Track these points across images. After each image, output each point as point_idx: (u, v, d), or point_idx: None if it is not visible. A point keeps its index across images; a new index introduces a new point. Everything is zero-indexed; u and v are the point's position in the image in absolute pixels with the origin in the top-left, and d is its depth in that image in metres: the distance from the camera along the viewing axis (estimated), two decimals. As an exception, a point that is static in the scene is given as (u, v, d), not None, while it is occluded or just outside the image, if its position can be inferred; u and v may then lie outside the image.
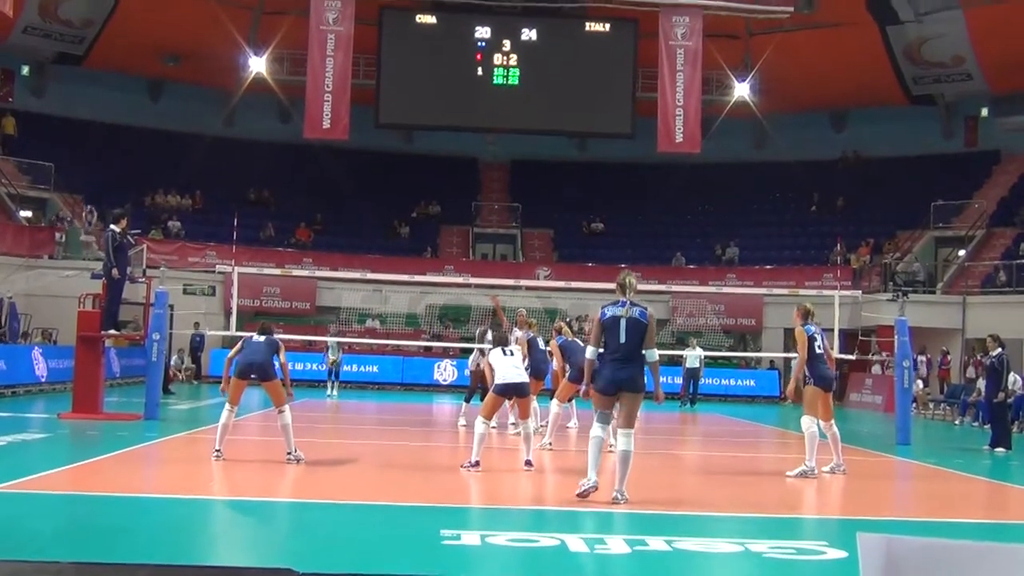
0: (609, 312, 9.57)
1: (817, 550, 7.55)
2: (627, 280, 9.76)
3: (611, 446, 10.93)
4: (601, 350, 9.61)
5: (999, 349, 17.44)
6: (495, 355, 12.14)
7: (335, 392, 27.01)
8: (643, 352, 9.53)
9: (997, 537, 8.61)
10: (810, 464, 11.97)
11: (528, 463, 11.87)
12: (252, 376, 11.90)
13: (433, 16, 35.58)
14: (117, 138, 37.08)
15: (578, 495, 9.38)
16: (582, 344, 13.59)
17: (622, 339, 9.44)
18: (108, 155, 36.40)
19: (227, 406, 11.82)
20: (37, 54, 36.35)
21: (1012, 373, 22.66)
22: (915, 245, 34.93)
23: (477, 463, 11.50)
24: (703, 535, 8.24)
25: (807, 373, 12.31)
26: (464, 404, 17.89)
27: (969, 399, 23.74)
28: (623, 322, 9.46)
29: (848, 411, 28.50)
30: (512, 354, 12.13)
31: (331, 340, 27.50)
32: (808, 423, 12.19)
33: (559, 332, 15.01)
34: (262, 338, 12.14)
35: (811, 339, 12.22)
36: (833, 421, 12.56)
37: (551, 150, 40.46)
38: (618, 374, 9.47)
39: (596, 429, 9.70)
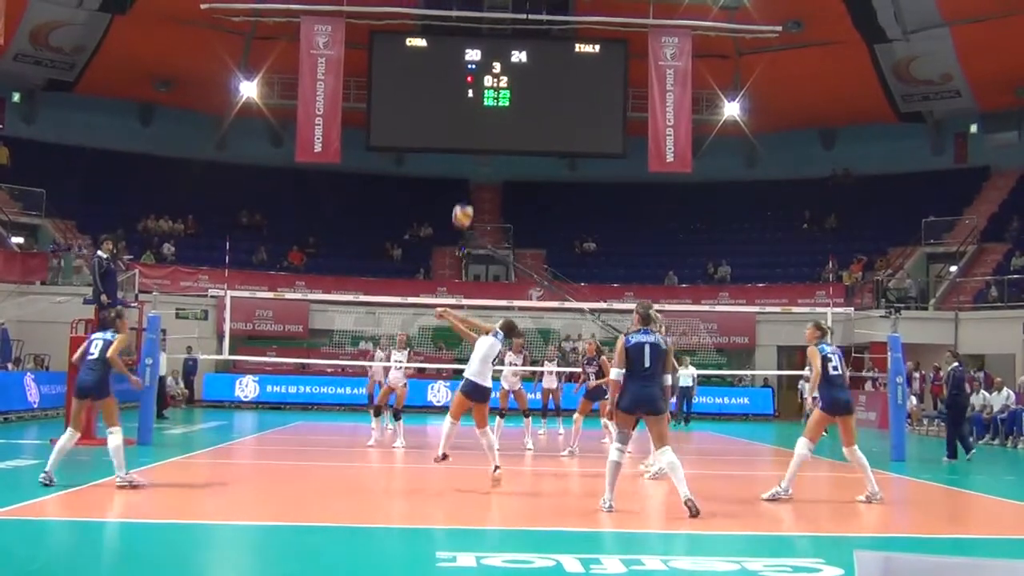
0: (634, 339, 10.19)
1: (813, 568, 7.53)
2: (652, 314, 10.44)
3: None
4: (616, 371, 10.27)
5: (955, 363, 18.31)
6: (481, 341, 12.15)
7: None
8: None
9: (994, 553, 8.61)
10: (784, 486, 11.57)
11: (496, 468, 12.06)
12: (88, 398, 11.49)
13: (423, 39, 35.69)
14: (109, 163, 37.07)
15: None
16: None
17: (647, 364, 10.09)
18: (100, 180, 36.38)
19: (69, 431, 11.38)
20: (28, 81, 36.39)
21: (1005, 388, 22.89)
22: (907, 262, 35.02)
23: (444, 456, 12.21)
24: (699, 554, 8.22)
25: (820, 393, 11.77)
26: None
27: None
28: (647, 348, 10.11)
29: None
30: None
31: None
32: (801, 445, 11.63)
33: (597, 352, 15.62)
34: (100, 341, 11.58)
35: (825, 359, 11.65)
36: (856, 447, 11.69)
37: (542, 171, 40.53)
38: (641, 394, 10.06)
39: (614, 453, 10.28)
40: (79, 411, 11.64)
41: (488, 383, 12.07)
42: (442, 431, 12.34)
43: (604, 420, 15.14)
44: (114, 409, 11.52)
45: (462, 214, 13.81)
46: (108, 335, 11.71)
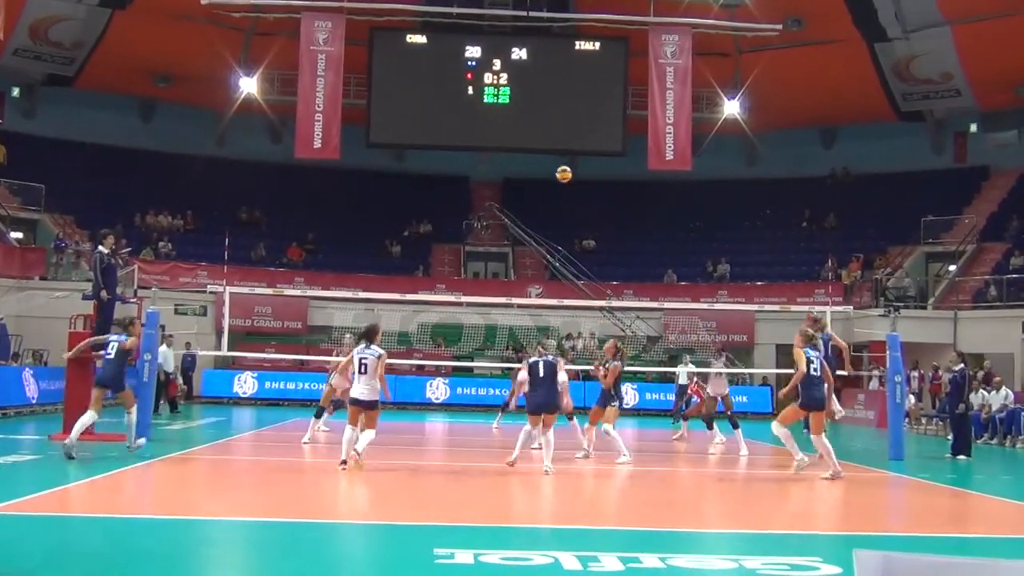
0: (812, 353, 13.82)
1: (811, 566, 7.53)
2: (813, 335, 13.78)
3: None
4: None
5: (961, 365, 18.62)
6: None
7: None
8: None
9: (993, 552, 8.61)
10: (799, 456, 13.58)
11: None
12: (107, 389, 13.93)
13: (423, 36, 35.64)
14: (108, 159, 37.06)
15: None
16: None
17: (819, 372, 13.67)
18: (99, 176, 36.37)
19: (90, 412, 13.62)
20: (27, 76, 36.37)
21: (1004, 388, 22.91)
22: (906, 261, 35.02)
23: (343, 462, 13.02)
24: (697, 552, 8.22)
25: (798, 391, 13.62)
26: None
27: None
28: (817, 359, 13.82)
29: (841, 426, 28.47)
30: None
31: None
32: (777, 427, 13.70)
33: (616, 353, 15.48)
34: (115, 343, 13.88)
35: (808, 362, 13.46)
36: (823, 435, 13.65)
37: (542, 168, 40.33)
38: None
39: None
40: (98, 398, 13.89)
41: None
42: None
43: (607, 427, 15.24)
44: (130, 397, 14.08)
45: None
46: (122, 337, 14.03)
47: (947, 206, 35.77)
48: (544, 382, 13.44)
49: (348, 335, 16.31)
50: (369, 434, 13.08)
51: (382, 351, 13.16)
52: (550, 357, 13.84)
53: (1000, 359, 28.15)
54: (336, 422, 19.46)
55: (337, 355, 19.22)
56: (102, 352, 14.28)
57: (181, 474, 13.21)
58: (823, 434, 13.65)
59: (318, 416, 17.82)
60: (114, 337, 14.17)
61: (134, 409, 14.03)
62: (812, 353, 13.59)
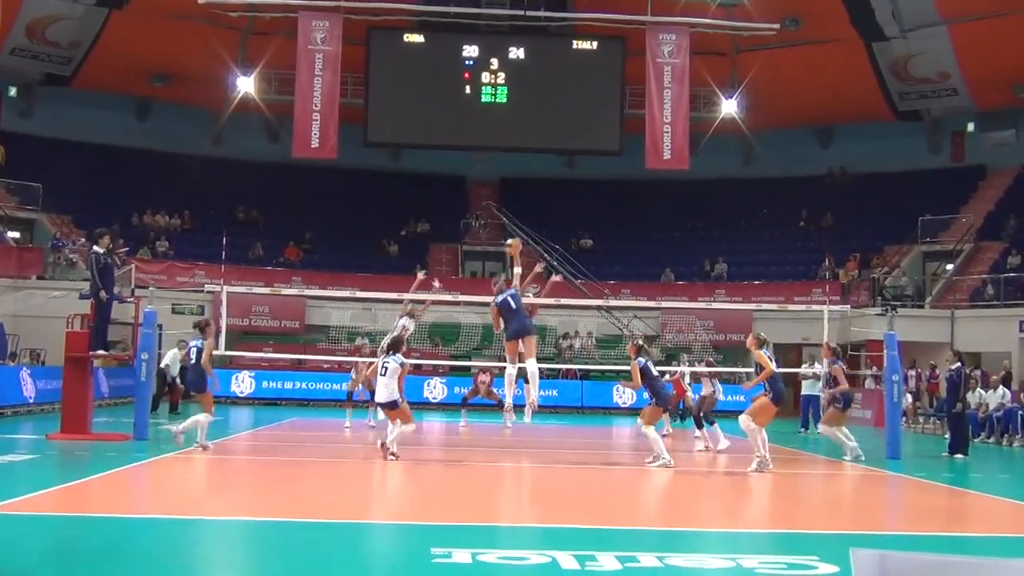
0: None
1: (808, 565, 7.53)
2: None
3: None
4: None
5: (957, 363, 18.85)
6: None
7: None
8: None
9: (989, 551, 8.61)
10: (761, 453, 13.88)
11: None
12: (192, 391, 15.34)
13: (420, 35, 35.63)
14: (105, 158, 37.03)
15: None
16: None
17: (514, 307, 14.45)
18: (96, 175, 36.35)
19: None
20: (25, 75, 36.34)
21: (1001, 387, 22.94)
22: (903, 260, 35.04)
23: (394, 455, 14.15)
24: (694, 551, 8.22)
25: (769, 387, 14.25)
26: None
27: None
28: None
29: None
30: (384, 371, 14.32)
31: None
32: (745, 421, 14.12)
33: (640, 352, 15.41)
34: (195, 348, 15.19)
35: (772, 360, 14.36)
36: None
37: (540, 168, 40.51)
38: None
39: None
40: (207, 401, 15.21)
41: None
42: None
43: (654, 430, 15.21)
44: (210, 400, 15.16)
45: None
46: (199, 342, 15.14)
47: (944, 205, 35.79)
48: (517, 312, 14.72)
49: (359, 338, 16.71)
50: (396, 428, 14.36)
51: (404, 360, 14.65)
52: (512, 291, 15.07)
53: (997, 358, 28.18)
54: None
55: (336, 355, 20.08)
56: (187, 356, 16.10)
57: (178, 474, 13.21)
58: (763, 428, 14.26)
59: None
60: (194, 342, 15.47)
61: (208, 415, 15.02)
62: (769, 352, 14.42)
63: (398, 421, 14.42)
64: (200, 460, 14.49)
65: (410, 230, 39.36)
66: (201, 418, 14.98)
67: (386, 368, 14.36)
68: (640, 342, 15.73)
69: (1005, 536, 9.82)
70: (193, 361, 15.39)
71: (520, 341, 14.42)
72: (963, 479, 14.82)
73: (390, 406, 14.40)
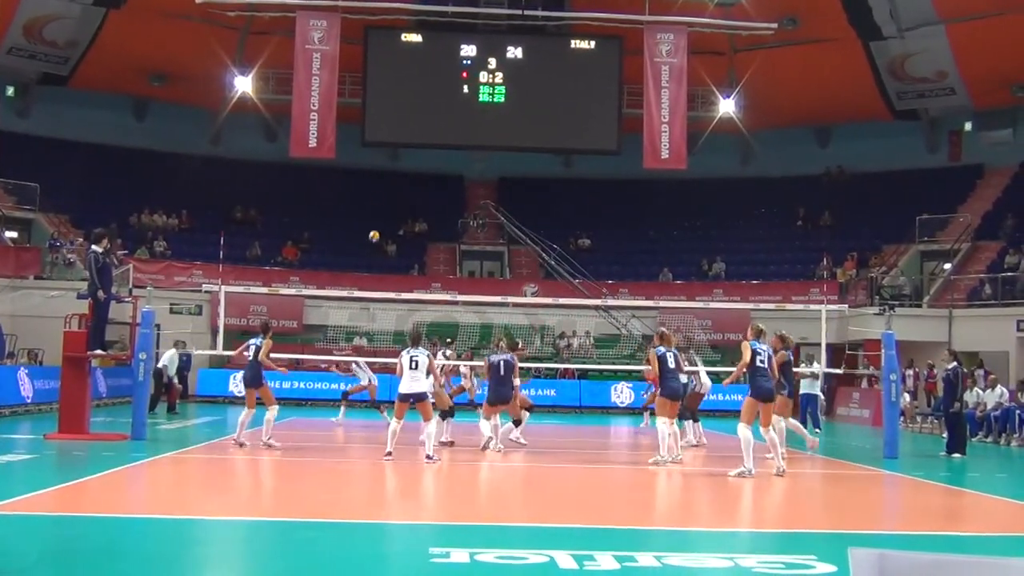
0: (761, 346, 13.73)
1: (806, 564, 7.54)
2: (762, 329, 13.94)
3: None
4: None
5: (954, 363, 18.94)
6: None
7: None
8: None
9: (988, 550, 8.62)
10: (748, 465, 13.16)
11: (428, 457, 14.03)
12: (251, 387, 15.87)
13: (418, 35, 35.63)
14: (102, 158, 36.99)
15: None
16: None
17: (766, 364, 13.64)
18: (93, 175, 36.31)
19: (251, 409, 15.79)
20: (22, 75, 36.28)
21: (999, 386, 22.96)
22: (901, 259, 35.05)
23: (389, 453, 14.11)
24: (692, 550, 8.23)
25: (748, 385, 13.72)
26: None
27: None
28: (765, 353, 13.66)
29: (836, 425, 28.53)
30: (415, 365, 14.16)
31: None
32: (742, 429, 13.35)
33: (663, 340, 15.07)
34: (254, 346, 15.91)
35: (755, 353, 13.60)
36: (771, 427, 13.93)
37: (537, 167, 40.51)
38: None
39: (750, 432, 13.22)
40: (250, 397, 15.93)
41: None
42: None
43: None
44: (270, 394, 16.06)
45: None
46: (259, 340, 15.96)
47: (942, 204, 35.79)
48: (504, 380, 15.64)
49: (356, 337, 16.74)
50: (429, 427, 14.35)
51: (429, 352, 14.77)
52: (509, 356, 15.76)
53: (995, 357, 28.21)
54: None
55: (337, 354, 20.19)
56: (246, 353, 16.36)
57: (176, 473, 13.20)
58: (771, 427, 13.94)
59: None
60: (253, 340, 16.20)
61: (274, 408, 15.86)
62: (758, 345, 13.74)
63: (432, 423, 14.40)
64: (197, 460, 14.48)
65: (408, 230, 39.36)
66: (270, 414, 15.73)
67: (416, 362, 14.23)
68: (665, 330, 15.50)
69: (1003, 535, 9.83)
70: (251, 358, 15.95)
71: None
72: (961, 479, 14.83)
73: (419, 398, 14.27)
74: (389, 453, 14.14)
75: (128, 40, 34.05)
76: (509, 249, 38.62)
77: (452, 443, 17.18)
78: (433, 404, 15.19)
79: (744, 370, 13.83)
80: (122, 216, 34.87)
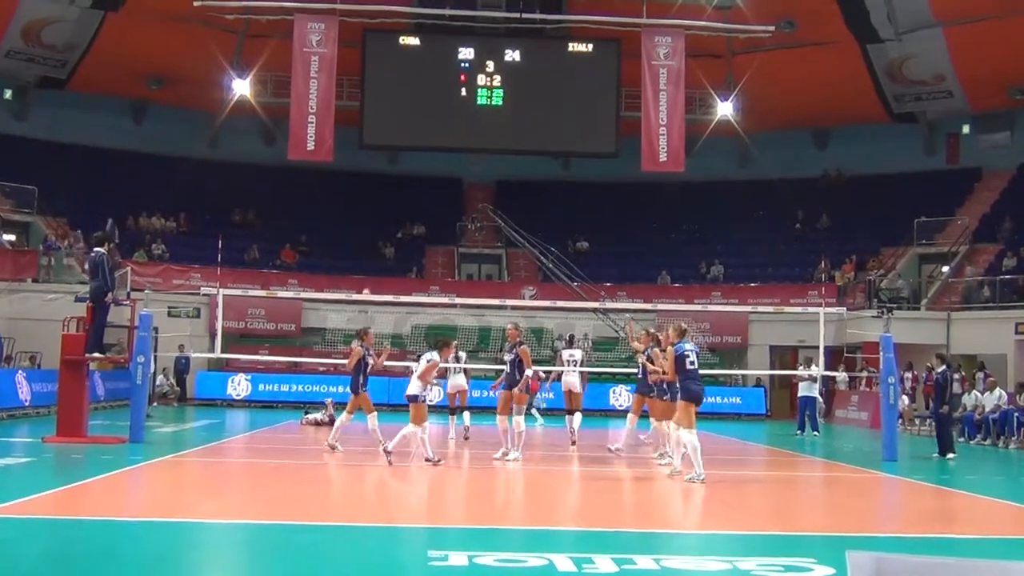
0: (688, 347, 13.02)
1: (805, 567, 7.54)
2: (685, 329, 13.40)
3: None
4: None
5: (943, 367, 19.27)
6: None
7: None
8: None
9: (985, 553, 8.63)
10: (699, 471, 12.69)
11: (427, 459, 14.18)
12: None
13: (416, 38, 35.66)
14: (100, 161, 36.97)
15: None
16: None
17: (696, 364, 12.98)
18: (91, 178, 36.28)
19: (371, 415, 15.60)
20: (20, 78, 36.27)
21: (997, 388, 22.98)
22: (899, 262, 35.08)
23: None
24: (691, 553, 8.23)
25: (678, 388, 13.22)
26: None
27: (955, 415, 23.81)
28: (694, 354, 12.97)
29: (834, 427, 28.54)
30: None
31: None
32: (687, 436, 12.84)
33: (682, 336, 13.40)
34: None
35: (684, 356, 12.99)
36: (694, 431, 13.16)
37: (535, 170, 40.51)
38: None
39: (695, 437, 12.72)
40: (355, 403, 15.83)
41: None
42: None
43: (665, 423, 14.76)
44: (368, 401, 15.77)
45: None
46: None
47: (940, 207, 35.82)
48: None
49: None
50: (405, 428, 14.40)
51: (433, 357, 14.62)
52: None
53: (993, 360, 28.23)
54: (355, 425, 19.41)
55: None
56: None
57: (174, 477, 13.19)
58: (667, 424, 13.99)
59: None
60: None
61: (374, 415, 15.59)
62: (687, 347, 13.01)
63: (409, 426, 14.39)
64: (195, 463, 14.47)
65: (406, 233, 39.35)
66: (369, 423, 15.54)
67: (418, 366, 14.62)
68: (684, 324, 13.64)
69: (1001, 538, 9.83)
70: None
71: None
72: (958, 481, 14.83)
73: (410, 399, 14.51)
74: (429, 460, 14.27)
75: (126, 43, 34.02)
76: (507, 252, 38.60)
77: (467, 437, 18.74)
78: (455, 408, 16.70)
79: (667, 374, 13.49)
80: (120, 219, 34.76)
